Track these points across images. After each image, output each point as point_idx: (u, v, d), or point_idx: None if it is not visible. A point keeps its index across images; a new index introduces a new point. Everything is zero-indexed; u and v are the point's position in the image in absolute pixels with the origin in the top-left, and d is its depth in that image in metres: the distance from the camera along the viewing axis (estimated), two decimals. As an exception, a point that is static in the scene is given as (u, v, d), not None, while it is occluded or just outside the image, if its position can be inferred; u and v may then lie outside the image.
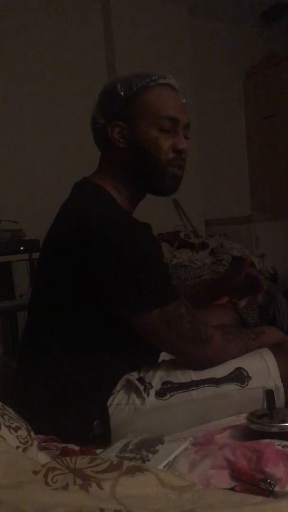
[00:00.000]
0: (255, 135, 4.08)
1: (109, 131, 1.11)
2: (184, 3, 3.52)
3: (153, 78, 1.10)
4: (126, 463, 0.72)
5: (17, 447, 0.80)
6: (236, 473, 0.81)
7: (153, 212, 1.80)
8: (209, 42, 3.84)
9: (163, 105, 1.09)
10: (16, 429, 0.83)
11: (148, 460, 0.88)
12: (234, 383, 1.03)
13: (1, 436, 0.78)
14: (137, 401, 1.04)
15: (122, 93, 1.09)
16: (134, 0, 3.33)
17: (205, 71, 3.79)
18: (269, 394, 0.95)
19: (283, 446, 0.83)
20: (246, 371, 1.04)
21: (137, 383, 1.05)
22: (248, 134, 4.15)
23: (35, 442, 0.87)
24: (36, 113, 3.14)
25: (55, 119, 3.19)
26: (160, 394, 1.03)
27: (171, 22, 3.49)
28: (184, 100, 1.15)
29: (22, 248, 2.49)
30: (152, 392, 1.04)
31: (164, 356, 1.17)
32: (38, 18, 3.16)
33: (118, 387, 1.06)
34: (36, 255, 2.42)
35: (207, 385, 1.03)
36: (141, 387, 1.04)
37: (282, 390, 1.03)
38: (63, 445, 0.96)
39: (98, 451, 0.95)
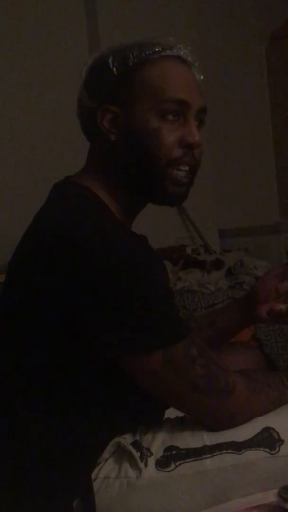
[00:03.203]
0: (283, 118, 4.12)
1: (99, 118, 1.12)
2: None
3: (157, 49, 1.10)
4: None
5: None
6: None
7: (150, 219, 1.81)
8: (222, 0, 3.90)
9: (167, 84, 1.10)
10: None
11: None
12: (261, 448, 1.02)
13: None
14: (131, 474, 1.03)
15: (114, 69, 1.10)
16: None
17: (216, 36, 3.84)
18: (308, 463, 0.95)
19: None
20: (278, 433, 1.04)
21: (131, 448, 1.04)
22: (274, 116, 4.19)
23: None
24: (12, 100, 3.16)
25: (20, 107, 3.20)
26: (162, 463, 1.03)
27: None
28: (201, 77, 1.16)
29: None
30: (152, 461, 1.03)
31: (168, 412, 1.17)
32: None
33: (106, 454, 1.06)
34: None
35: (225, 451, 1.02)
36: (137, 454, 1.04)
37: None
38: (32, 534, 0.96)
39: None
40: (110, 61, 1.11)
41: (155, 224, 2.11)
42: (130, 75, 1.11)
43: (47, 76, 3.16)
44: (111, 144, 1.13)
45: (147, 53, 1.10)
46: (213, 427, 1.05)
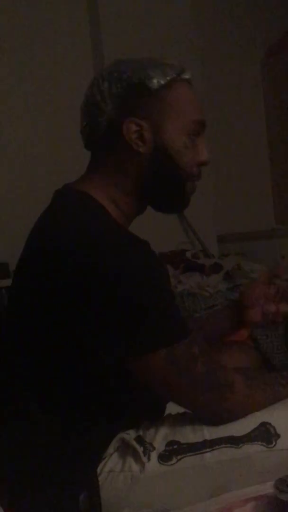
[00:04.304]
0: (278, 129, 4.12)
1: (125, 129, 1.11)
2: None
3: (181, 73, 1.14)
4: None
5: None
6: None
7: (152, 225, 1.81)
8: (219, 15, 3.90)
9: (193, 106, 1.15)
10: (-19, 505, 0.82)
11: None
12: (259, 442, 1.02)
13: None
14: (135, 467, 1.03)
15: (151, 85, 1.11)
16: None
17: (215, 50, 3.84)
18: (303, 456, 0.95)
19: None
20: (274, 427, 1.03)
21: (134, 444, 1.05)
22: (270, 127, 4.18)
23: (5, 522, 0.86)
24: (9, 109, 3.17)
25: (28, 114, 3.22)
26: (164, 457, 1.03)
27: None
28: None
29: (-14, 274, 2.49)
30: (154, 456, 1.03)
31: (169, 408, 1.17)
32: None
33: (111, 449, 1.06)
34: (4, 283, 2.42)
35: (224, 445, 1.02)
36: (140, 449, 1.04)
37: None
38: (41, 525, 0.95)
39: (86, 532, 0.94)
40: (150, 74, 1.11)
41: (157, 230, 2.11)
42: (163, 93, 1.12)
43: (51, 89, 3.17)
44: (135, 155, 1.13)
45: (176, 75, 1.13)
46: (213, 422, 1.05)
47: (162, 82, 1.11)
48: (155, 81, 1.11)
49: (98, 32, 3.40)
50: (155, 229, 2.00)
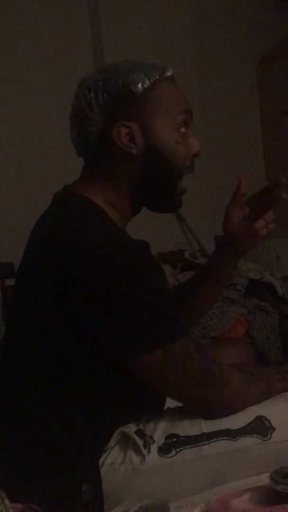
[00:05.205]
0: (272, 133, 4.13)
1: (115, 134, 1.11)
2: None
3: (163, 72, 1.13)
4: (123, 537, 0.71)
5: (-11, 519, 0.79)
6: None
7: (152, 227, 1.82)
8: (215, 23, 3.90)
9: (176, 99, 1.14)
10: (-13, 496, 0.82)
11: (151, 533, 0.87)
12: (254, 435, 1.02)
13: None
14: (136, 460, 1.03)
15: (136, 89, 1.10)
16: None
17: (211, 57, 3.84)
18: (297, 448, 0.95)
19: (316, 512, 0.82)
20: (269, 421, 1.03)
21: (135, 437, 1.04)
22: (265, 132, 4.19)
23: (11, 513, 0.85)
24: (8, 110, 3.17)
25: (30, 116, 3.21)
26: (163, 450, 1.03)
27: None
28: None
29: (-8, 274, 2.49)
30: (154, 448, 1.03)
31: (168, 403, 1.16)
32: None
33: (112, 442, 1.06)
34: (9, 282, 2.42)
35: (221, 438, 1.02)
36: (140, 442, 1.03)
37: (312, 443, 1.02)
38: (45, 515, 0.95)
39: (88, 522, 0.94)
40: (133, 82, 1.10)
41: (157, 232, 2.12)
42: (148, 94, 1.11)
43: (51, 105, 3.16)
44: (128, 158, 1.12)
45: (158, 76, 1.12)
46: (210, 416, 1.04)
47: (146, 85, 1.11)
48: (139, 85, 1.10)
49: (99, 39, 3.40)
50: (156, 230, 2.00)
